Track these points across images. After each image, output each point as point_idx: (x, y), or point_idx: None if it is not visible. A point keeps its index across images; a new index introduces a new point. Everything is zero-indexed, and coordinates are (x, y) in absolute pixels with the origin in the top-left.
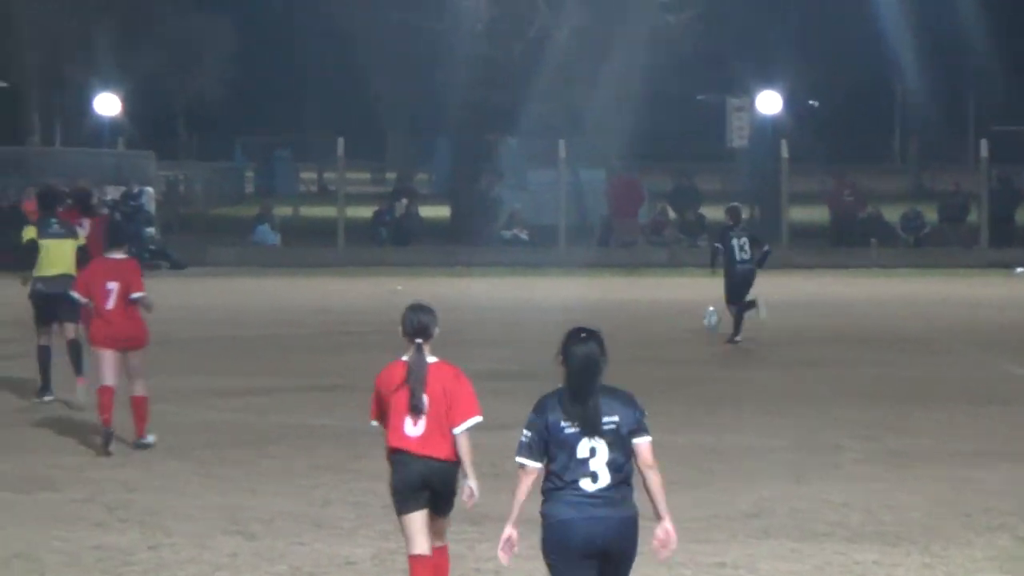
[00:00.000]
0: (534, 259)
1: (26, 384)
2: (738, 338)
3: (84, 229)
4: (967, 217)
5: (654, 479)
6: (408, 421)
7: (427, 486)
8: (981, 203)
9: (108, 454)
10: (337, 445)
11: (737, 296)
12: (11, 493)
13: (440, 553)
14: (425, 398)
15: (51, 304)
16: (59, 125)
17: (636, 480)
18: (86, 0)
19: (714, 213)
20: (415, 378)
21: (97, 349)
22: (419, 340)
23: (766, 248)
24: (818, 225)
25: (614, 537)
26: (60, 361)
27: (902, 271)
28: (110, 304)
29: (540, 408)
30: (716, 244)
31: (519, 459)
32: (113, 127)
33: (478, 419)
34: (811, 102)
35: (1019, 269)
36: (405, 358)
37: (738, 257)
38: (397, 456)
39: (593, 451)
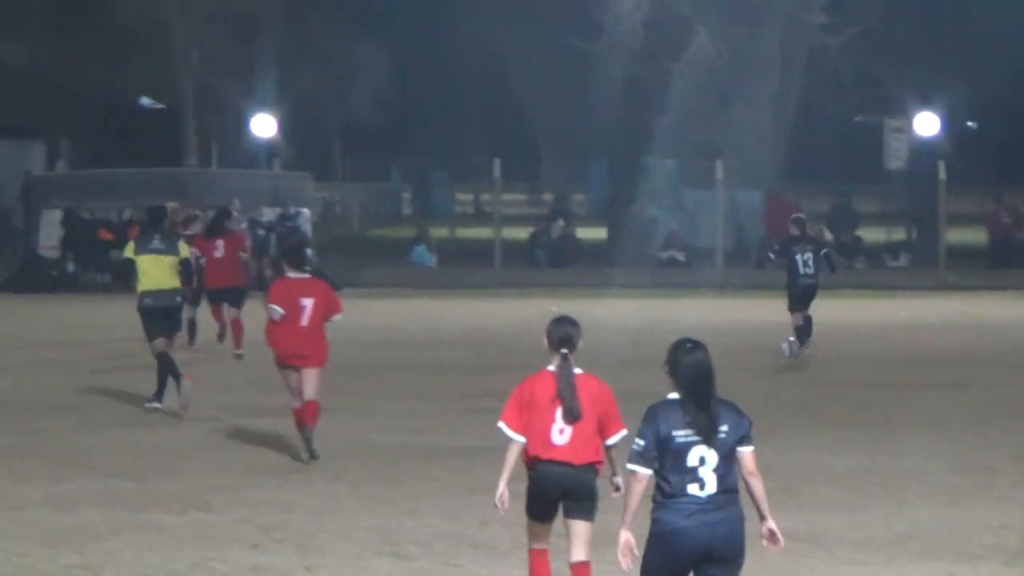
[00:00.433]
0: (691, 280)
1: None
2: (807, 349)
3: (219, 250)
4: None
5: (758, 485)
6: (555, 430)
7: (566, 496)
8: None
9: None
10: (494, 466)
11: (800, 303)
12: (166, 514)
13: (584, 569)
14: (579, 405)
15: (157, 316)
16: (216, 147)
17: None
18: (243, 21)
19: (872, 235)
20: (566, 388)
21: (281, 368)
22: (565, 351)
23: (824, 252)
24: (976, 247)
25: (722, 540)
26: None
27: None
28: (304, 321)
29: (651, 417)
30: (776, 249)
31: (631, 466)
32: (269, 148)
33: (625, 432)
34: (969, 123)
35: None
36: (551, 368)
37: (801, 271)
38: (540, 464)
39: (703, 459)
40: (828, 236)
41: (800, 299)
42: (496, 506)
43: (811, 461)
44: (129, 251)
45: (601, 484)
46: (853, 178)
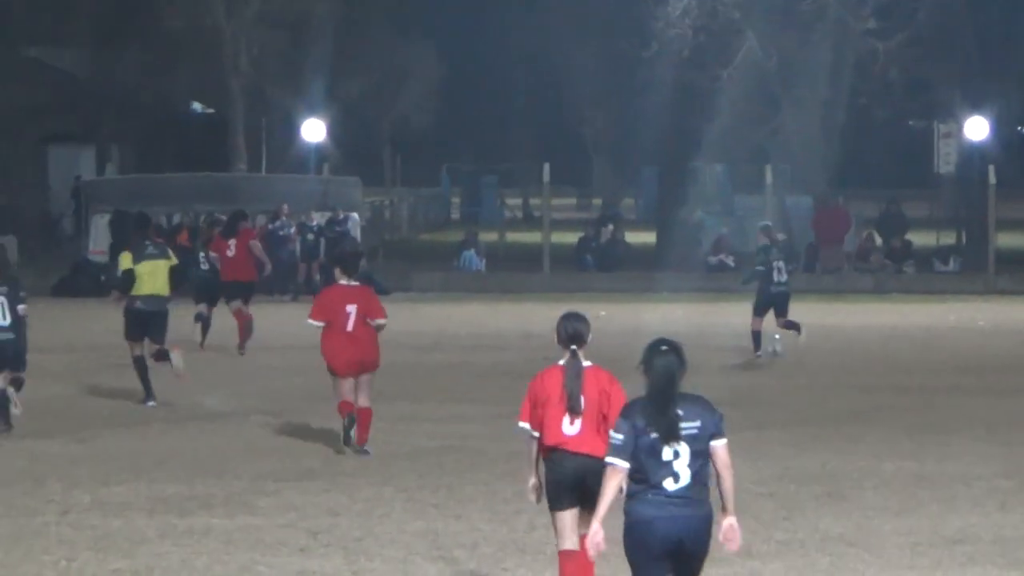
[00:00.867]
0: (739, 285)
1: (227, 410)
2: (759, 354)
3: (232, 250)
4: None
5: (728, 479)
6: (566, 420)
7: (581, 484)
8: None
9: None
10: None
11: (765, 311)
12: (213, 517)
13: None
14: (582, 399)
15: (145, 321)
16: (265, 151)
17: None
18: (293, 26)
19: (921, 239)
20: (572, 381)
21: (334, 377)
22: (574, 346)
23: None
24: None
25: (691, 535)
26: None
27: None
28: (349, 327)
29: (629, 413)
30: (759, 267)
31: (610, 459)
32: (319, 153)
33: None
34: (1020, 128)
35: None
36: (561, 363)
37: (775, 279)
38: (554, 454)
39: (676, 454)
40: (878, 241)
41: (767, 306)
42: (531, 499)
43: (859, 465)
44: (127, 262)
45: None
46: (903, 183)
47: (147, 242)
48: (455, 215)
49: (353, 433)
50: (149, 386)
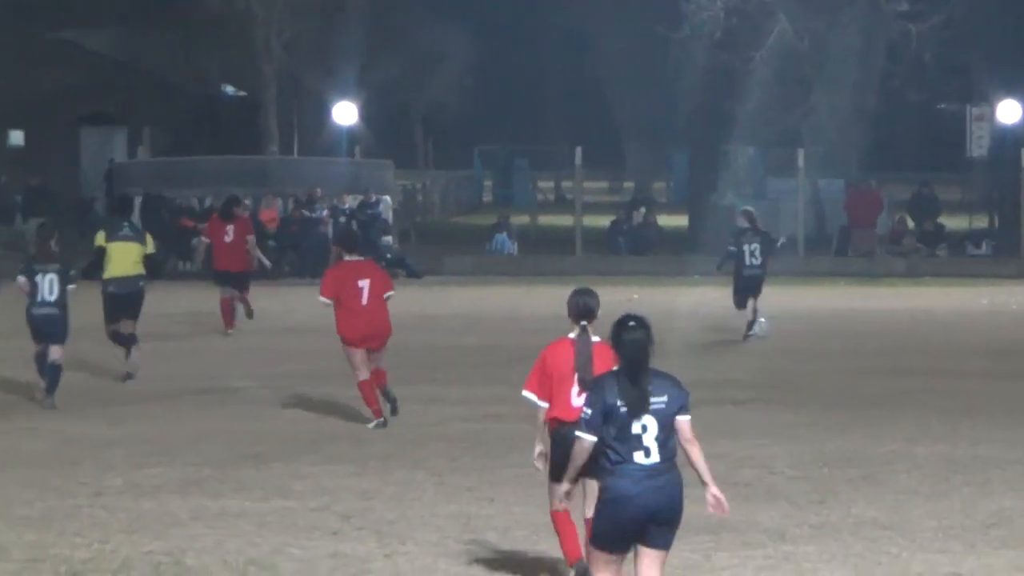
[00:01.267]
0: (772, 268)
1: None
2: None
3: (229, 236)
4: None
5: (695, 452)
6: (574, 394)
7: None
8: None
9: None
10: None
11: (743, 302)
12: (246, 500)
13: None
14: (592, 375)
15: (122, 304)
16: (297, 134)
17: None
18: (325, 9)
19: (954, 223)
20: (583, 355)
21: (350, 348)
22: (584, 322)
23: (779, 243)
24: None
25: (666, 504)
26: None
27: None
28: (364, 301)
29: (598, 388)
30: (731, 247)
31: (579, 433)
32: (351, 136)
33: None
34: None
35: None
36: (571, 336)
37: (747, 262)
38: (562, 427)
39: (645, 428)
40: (910, 225)
41: (744, 291)
42: (537, 466)
43: (892, 449)
44: (100, 239)
45: None
46: (935, 166)
47: (125, 223)
48: (487, 198)
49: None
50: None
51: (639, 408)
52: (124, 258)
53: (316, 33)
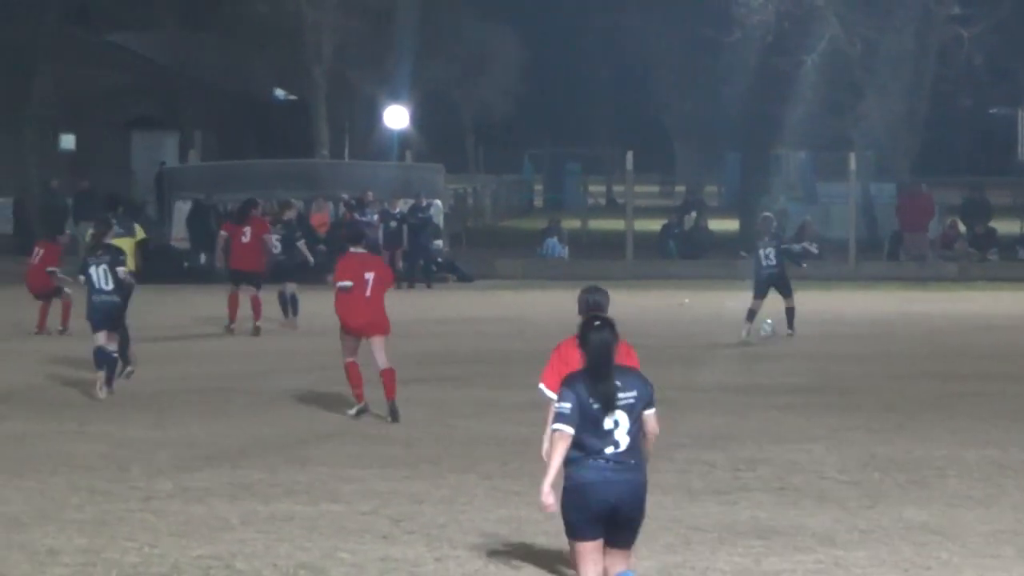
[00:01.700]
0: (824, 272)
1: (307, 398)
2: (790, 331)
3: (246, 237)
4: None
5: (650, 444)
6: None
7: None
8: None
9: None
10: None
11: (761, 291)
12: (296, 504)
13: None
14: None
15: None
16: (348, 138)
17: None
18: (375, 12)
19: (1006, 227)
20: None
21: (349, 334)
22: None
23: (797, 249)
24: None
25: (627, 500)
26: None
27: None
28: (368, 292)
29: (571, 384)
30: (743, 254)
31: (558, 425)
32: (402, 140)
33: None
34: None
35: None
36: None
37: (763, 263)
38: None
39: (616, 423)
40: (961, 229)
41: (761, 286)
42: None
43: (942, 454)
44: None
45: None
46: (986, 170)
47: (114, 221)
48: (538, 202)
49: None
50: (125, 355)
51: (609, 404)
52: None
53: (366, 36)
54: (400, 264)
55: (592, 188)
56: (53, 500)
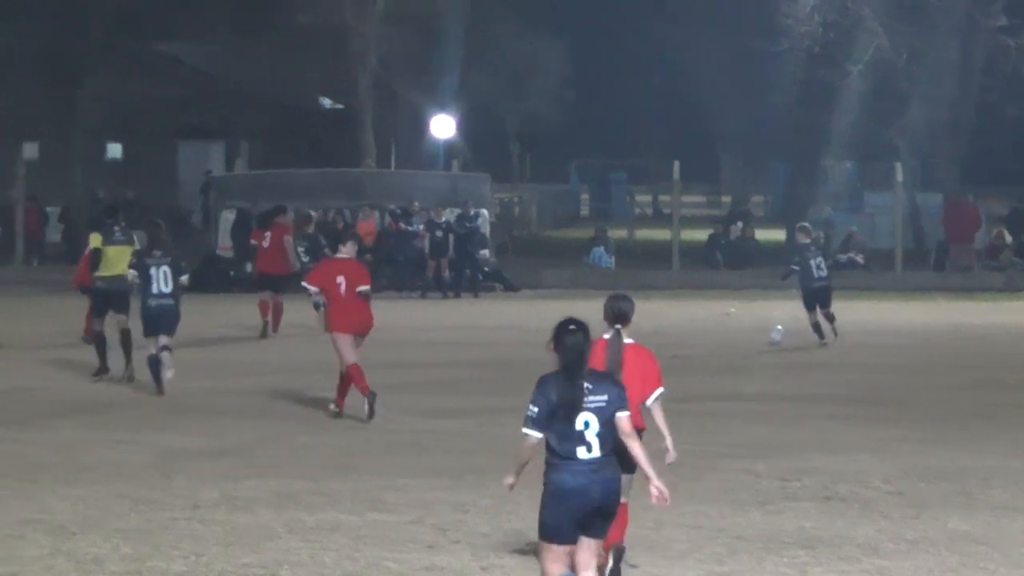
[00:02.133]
0: (870, 283)
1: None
2: (825, 341)
3: (266, 241)
4: None
5: (635, 446)
6: None
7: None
8: None
9: (372, 415)
10: (670, 467)
11: (812, 306)
12: (342, 513)
13: (623, 507)
14: (622, 373)
15: (110, 299)
16: (394, 147)
17: None
18: (422, 22)
19: None
20: (613, 355)
21: (341, 335)
22: (619, 325)
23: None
24: None
25: (606, 498)
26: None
27: None
28: (343, 292)
29: (542, 387)
30: (794, 266)
31: (525, 430)
32: (448, 149)
33: (662, 390)
34: None
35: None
36: (606, 336)
37: (815, 275)
38: None
39: (587, 424)
40: (1008, 239)
41: (813, 300)
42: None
43: (988, 464)
44: (97, 242)
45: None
46: None
47: (116, 228)
48: (584, 211)
49: (376, 406)
50: (104, 362)
51: (576, 406)
52: (118, 260)
53: (413, 46)
54: (446, 273)
55: (638, 198)
56: (99, 508)
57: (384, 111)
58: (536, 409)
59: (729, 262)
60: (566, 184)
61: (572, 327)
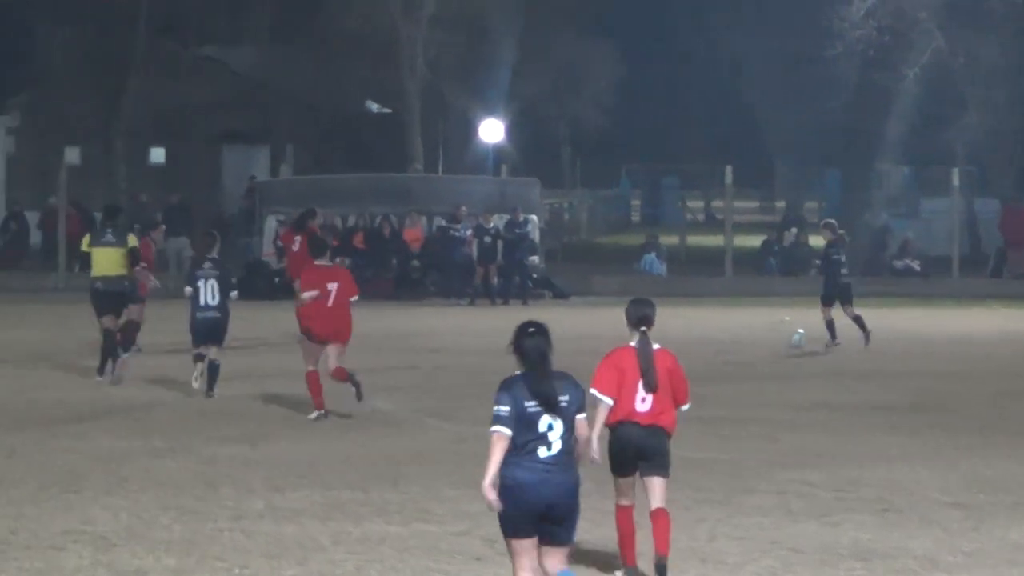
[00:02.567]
0: (926, 289)
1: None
2: (837, 342)
3: (296, 246)
4: None
5: (591, 439)
6: (639, 399)
7: (644, 453)
8: None
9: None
10: (722, 477)
11: (831, 302)
12: (388, 525)
13: (664, 513)
14: (656, 376)
15: (102, 299)
16: (442, 152)
17: None
18: (470, 25)
19: None
20: (646, 361)
21: (310, 344)
22: (643, 328)
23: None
24: None
25: (561, 499)
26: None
27: None
28: (330, 302)
29: (508, 388)
30: (818, 261)
31: (496, 427)
32: (497, 154)
33: (688, 407)
34: None
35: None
36: (632, 344)
37: (842, 272)
38: (622, 426)
39: (551, 426)
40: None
41: (833, 296)
42: (593, 460)
43: None
44: (85, 244)
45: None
46: None
47: (108, 230)
48: (635, 217)
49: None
50: (105, 363)
51: (549, 406)
52: (106, 262)
53: (461, 49)
54: (495, 280)
55: (690, 203)
56: (141, 519)
57: (432, 115)
58: (506, 408)
59: (783, 269)
60: (616, 189)
61: (532, 330)
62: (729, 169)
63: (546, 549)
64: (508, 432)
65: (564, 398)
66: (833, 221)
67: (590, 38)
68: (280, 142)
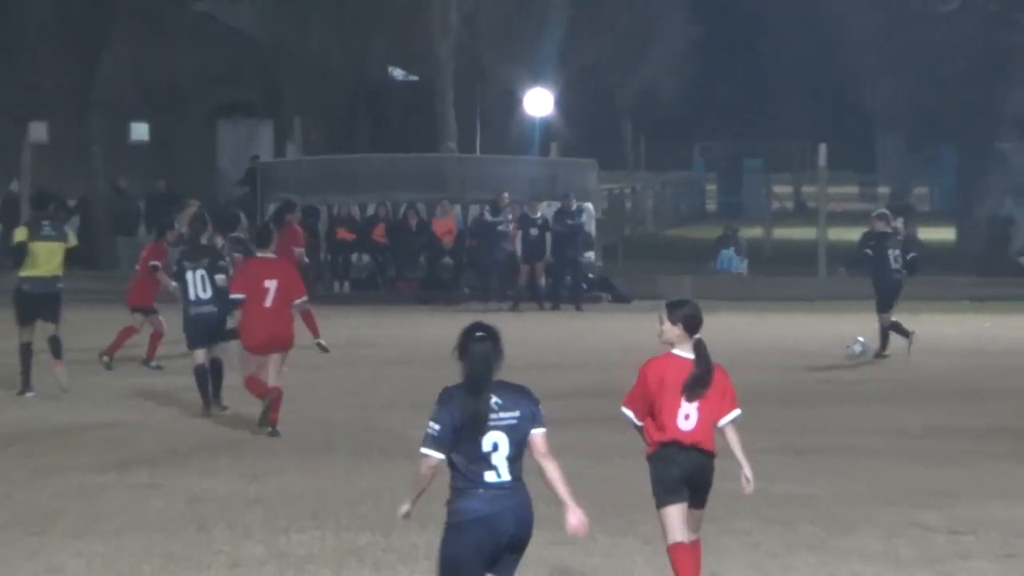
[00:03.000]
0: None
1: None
2: (886, 353)
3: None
4: None
5: (552, 468)
6: (681, 415)
7: (690, 480)
8: None
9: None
10: (816, 519)
11: (889, 305)
12: (415, 573)
13: (695, 545)
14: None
15: (35, 304)
16: (480, 128)
17: None
18: None
19: None
20: (706, 364)
21: (248, 354)
22: (697, 335)
23: (912, 255)
24: None
25: (520, 526)
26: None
27: None
28: (267, 303)
29: (446, 400)
30: (867, 251)
31: (425, 449)
32: (545, 130)
33: (738, 412)
34: None
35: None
36: (676, 352)
37: (892, 266)
38: (666, 449)
39: (496, 445)
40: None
41: (891, 298)
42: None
43: None
44: (22, 235)
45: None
46: None
47: (45, 222)
48: (710, 206)
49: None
50: (28, 377)
51: (480, 423)
52: (47, 258)
53: (503, 5)
54: (542, 280)
55: (776, 189)
56: (120, 568)
57: (468, 84)
58: (438, 427)
59: None
60: (688, 172)
61: (480, 333)
62: (823, 148)
63: None
64: (436, 455)
65: (512, 414)
66: (887, 211)
67: None
68: (286, 116)
